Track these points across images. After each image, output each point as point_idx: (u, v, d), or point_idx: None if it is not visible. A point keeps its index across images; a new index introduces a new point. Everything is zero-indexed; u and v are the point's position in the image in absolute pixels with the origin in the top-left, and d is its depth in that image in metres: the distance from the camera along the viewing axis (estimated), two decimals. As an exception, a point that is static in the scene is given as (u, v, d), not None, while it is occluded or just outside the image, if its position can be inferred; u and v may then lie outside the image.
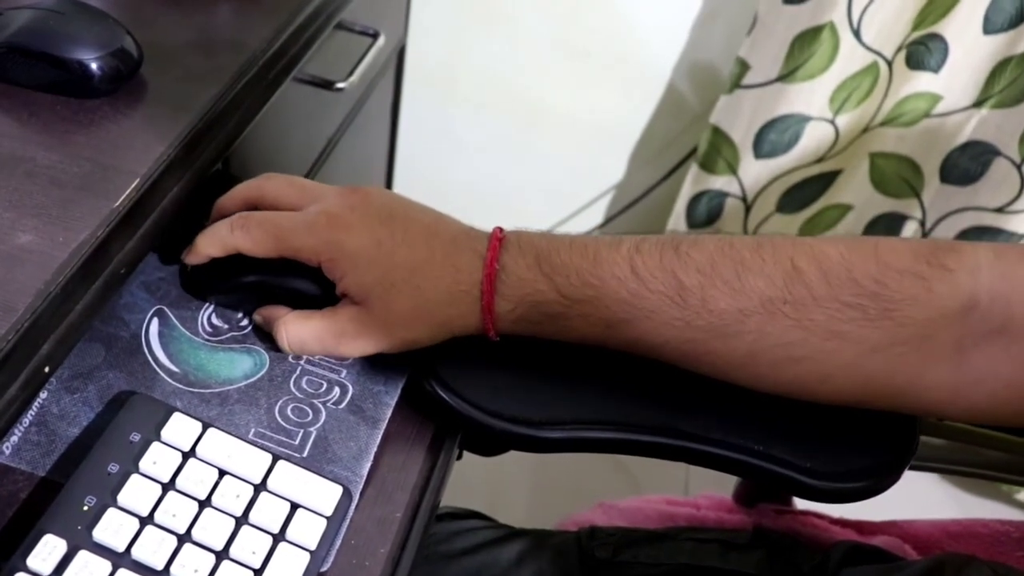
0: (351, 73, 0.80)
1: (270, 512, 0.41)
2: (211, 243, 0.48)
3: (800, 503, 0.72)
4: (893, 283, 0.43)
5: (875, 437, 0.48)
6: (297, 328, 0.48)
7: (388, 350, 0.48)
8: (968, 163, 1.10)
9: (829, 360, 0.44)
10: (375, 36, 0.85)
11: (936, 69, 1.04)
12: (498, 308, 0.46)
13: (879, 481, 0.48)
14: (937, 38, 1.01)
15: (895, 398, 0.46)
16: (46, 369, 0.40)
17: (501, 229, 0.47)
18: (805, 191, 1.21)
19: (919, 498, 0.87)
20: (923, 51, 1.03)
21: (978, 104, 1.06)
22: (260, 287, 0.49)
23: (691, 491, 1.25)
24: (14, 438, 0.42)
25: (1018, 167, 1.06)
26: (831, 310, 0.43)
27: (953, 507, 1.31)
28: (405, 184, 1.30)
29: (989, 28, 0.99)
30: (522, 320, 0.46)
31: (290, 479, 0.42)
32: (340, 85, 0.78)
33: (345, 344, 0.47)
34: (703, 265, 0.44)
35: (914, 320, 0.43)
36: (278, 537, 0.41)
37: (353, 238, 0.46)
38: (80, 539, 0.38)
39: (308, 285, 0.48)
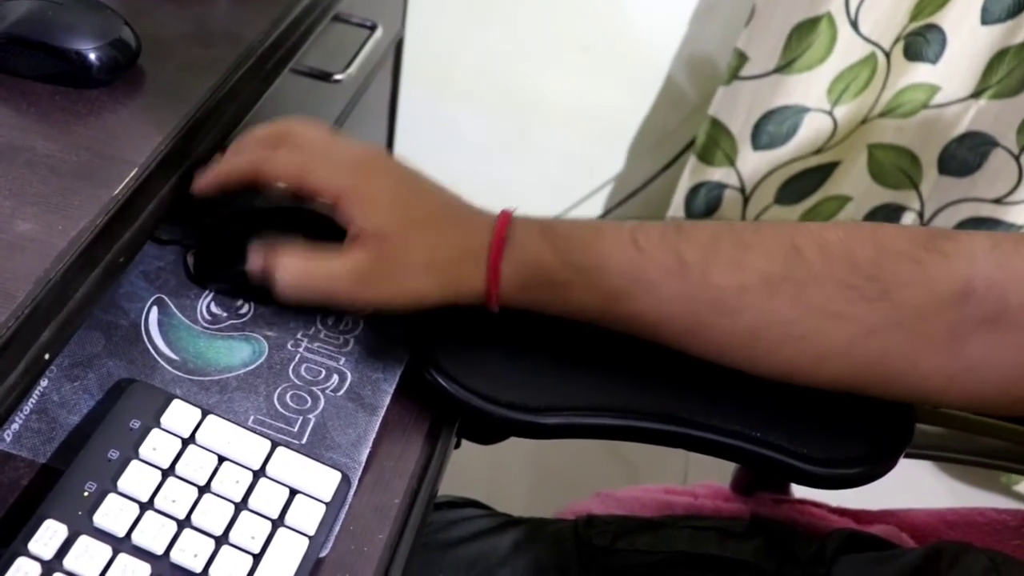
0: (349, 65, 0.80)
1: (269, 498, 0.41)
2: (237, 159, 0.48)
3: (798, 492, 0.72)
4: (890, 266, 0.43)
5: (871, 424, 0.49)
6: (300, 265, 0.45)
7: (394, 303, 0.46)
8: (966, 154, 1.10)
9: (826, 340, 0.44)
10: (373, 28, 0.84)
11: (934, 60, 1.04)
12: (503, 271, 0.46)
13: (875, 467, 0.48)
14: (935, 29, 1.01)
15: (890, 384, 0.46)
16: (46, 356, 0.41)
17: (508, 210, 0.48)
18: (803, 182, 1.21)
19: (916, 488, 0.87)
20: (921, 42, 1.03)
21: (976, 95, 1.06)
22: None
23: (690, 481, 1.25)
24: (15, 425, 0.43)
25: (1016, 158, 1.06)
26: (829, 289, 0.43)
27: (949, 497, 1.32)
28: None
29: (987, 19, 0.99)
30: (525, 288, 0.46)
31: (289, 465, 0.43)
32: (338, 77, 0.78)
33: (356, 286, 0.45)
34: (704, 241, 0.45)
35: (910, 303, 0.43)
36: (277, 522, 0.41)
37: (375, 183, 0.46)
38: (81, 524, 0.38)
39: None
